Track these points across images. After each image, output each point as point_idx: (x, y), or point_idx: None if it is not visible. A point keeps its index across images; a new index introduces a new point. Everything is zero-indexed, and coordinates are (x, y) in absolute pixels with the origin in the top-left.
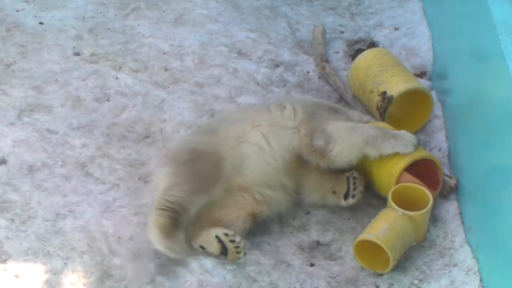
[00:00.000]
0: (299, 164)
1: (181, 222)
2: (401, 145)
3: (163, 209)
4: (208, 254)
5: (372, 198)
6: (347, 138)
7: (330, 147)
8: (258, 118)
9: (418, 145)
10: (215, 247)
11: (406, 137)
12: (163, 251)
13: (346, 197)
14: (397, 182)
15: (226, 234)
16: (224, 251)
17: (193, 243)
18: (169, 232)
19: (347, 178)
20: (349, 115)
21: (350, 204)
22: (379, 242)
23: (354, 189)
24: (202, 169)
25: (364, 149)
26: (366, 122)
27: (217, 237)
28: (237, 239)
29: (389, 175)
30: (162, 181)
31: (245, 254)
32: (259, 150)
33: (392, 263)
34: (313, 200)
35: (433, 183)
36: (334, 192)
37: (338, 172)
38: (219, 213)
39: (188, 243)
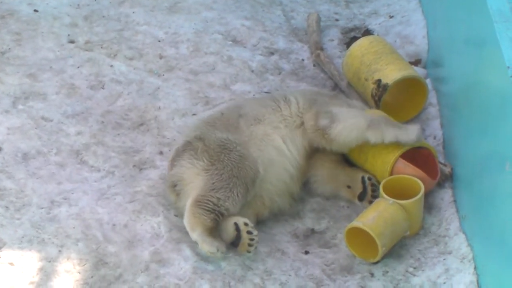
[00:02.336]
0: (308, 162)
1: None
2: (404, 134)
3: (208, 210)
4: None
5: None
6: (352, 119)
7: (334, 125)
8: (274, 119)
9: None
10: (229, 234)
11: (410, 128)
12: (214, 252)
13: (361, 198)
14: (397, 172)
15: (246, 224)
16: (236, 241)
17: None
18: (214, 233)
19: (362, 179)
20: (350, 103)
21: (363, 205)
22: (366, 228)
23: (373, 196)
24: (245, 172)
25: (366, 132)
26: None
27: (235, 224)
28: (255, 232)
29: (384, 162)
30: (196, 176)
31: (255, 249)
32: (281, 155)
33: (381, 250)
34: (326, 191)
35: (432, 173)
36: (348, 187)
37: (351, 167)
38: None
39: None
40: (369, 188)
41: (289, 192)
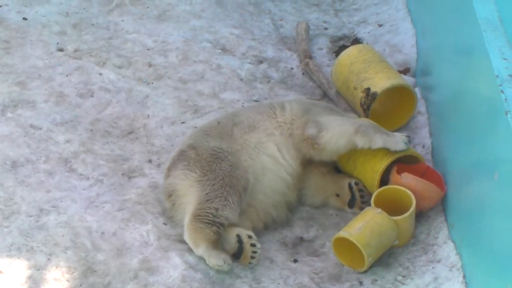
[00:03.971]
0: (304, 170)
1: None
2: (392, 141)
3: (208, 223)
4: (191, 250)
5: None
6: (339, 126)
7: (321, 134)
8: (269, 126)
9: (409, 143)
10: (231, 246)
11: (398, 136)
12: (222, 265)
13: (351, 205)
14: (408, 187)
15: (250, 237)
16: (238, 253)
17: None
18: (218, 245)
19: (349, 185)
20: (344, 115)
21: (353, 211)
22: (352, 239)
23: (363, 201)
24: (236, 181)
25: (354, 137)
26: None
27: (238, 236)
28: (258, 245)
29: (373, 170)
30: (189, 188)
31: (257, 261)
32: (276, 164)
33: (367, 260)
34: (315, 202)
35: (441, 185)
36: (337, 195)
37: (337, 175)
38: None
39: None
40: (357, 194)
41: (286, 202)
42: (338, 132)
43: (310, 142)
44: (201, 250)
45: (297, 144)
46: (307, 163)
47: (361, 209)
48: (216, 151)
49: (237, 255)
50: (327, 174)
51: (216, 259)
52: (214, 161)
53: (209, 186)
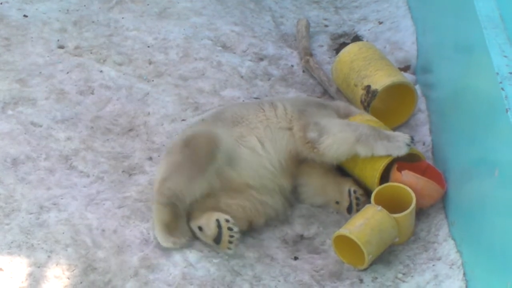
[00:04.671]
0: (296, 164)
1: (182, 211)
2: (394, 147)
3: (162, 204)
4: (192, 247)
5: None
6: (340, 132)
7: (322, 139)
8: (253, 120)
9: (412, 144)
10: (212, 231)
11: (400, 138)
12: (172, 247)
13: (349, 211)
14: (409, 185)
15: (227, 221)
16: (217, 238)
17: (191, 224)
18: (173, 226)
19: (349, 192)
20: (335, 107)
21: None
22: (352, 237)
23: (358, 210)
24: (196, 149)
25: (355, 146)
26: (354, 113)
27: (217, 221)
28: (235, 229)
29: (373, 168)
30: (158, 173)
31: (236, 246)
32: (254, 155)
33: (367, 257)
34: (315, 203)
35: (441, 182)
36: (337, 203)
37: (339, 177)
38: (223, 208)
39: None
40: (354, 202)
41: (279, 187)
42: (339, 139)
43: (311, 145)
44: (155, 232)
45: (299, 147)
46: (309, 163)
47: (357, 211)
48: (189, 136)
49: (217, 240)
50: (328, 173)
51: (165, 242)
52: (183, 142)
53: (169, 164)
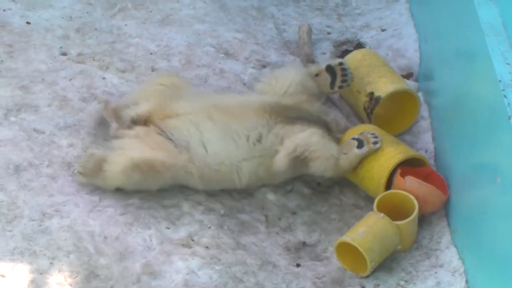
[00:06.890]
0: None
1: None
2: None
3: None
4: (194, 254)
5: (359, 199)
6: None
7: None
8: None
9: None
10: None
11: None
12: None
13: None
14: (410, 191)
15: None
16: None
17: None
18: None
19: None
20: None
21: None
22: (354, 244)
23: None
24: None
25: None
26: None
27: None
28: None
29: (382, 168)
30: None
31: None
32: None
33: (370, 265)
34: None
35: (443, 188)
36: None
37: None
38: None
39: None
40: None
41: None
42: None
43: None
44: None
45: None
46: None
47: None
48: None
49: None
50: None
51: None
52: None
53: None
